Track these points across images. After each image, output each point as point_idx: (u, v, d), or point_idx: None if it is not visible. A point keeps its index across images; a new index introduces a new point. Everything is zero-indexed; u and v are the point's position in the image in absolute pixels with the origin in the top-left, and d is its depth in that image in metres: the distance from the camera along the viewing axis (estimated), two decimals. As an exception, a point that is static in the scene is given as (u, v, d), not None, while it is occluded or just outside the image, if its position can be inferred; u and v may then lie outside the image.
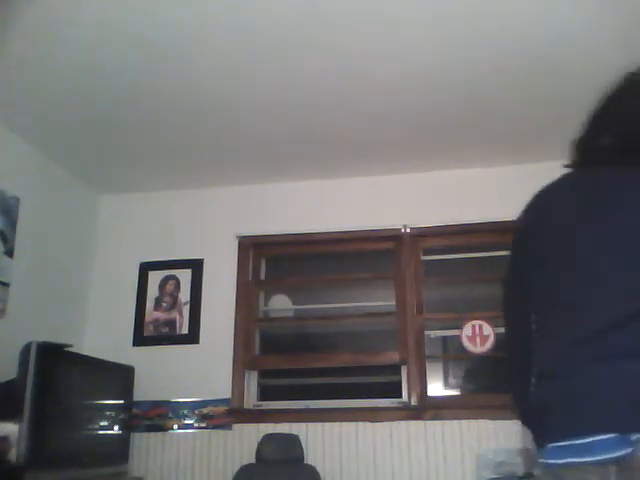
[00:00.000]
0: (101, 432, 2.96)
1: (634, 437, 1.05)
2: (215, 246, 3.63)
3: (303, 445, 3.09)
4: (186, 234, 3.69)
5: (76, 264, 3.57)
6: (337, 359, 3.45)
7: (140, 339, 3.53)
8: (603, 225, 1.23)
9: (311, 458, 3.15)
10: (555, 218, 1.30)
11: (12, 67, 2.56)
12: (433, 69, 2.62)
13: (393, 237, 3.51)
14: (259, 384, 3.53)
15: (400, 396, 3.32)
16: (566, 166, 1.40)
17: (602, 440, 1.06)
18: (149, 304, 3.59)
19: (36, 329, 2.97)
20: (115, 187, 3.76)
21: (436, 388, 3.41)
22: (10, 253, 2.97)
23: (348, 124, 3.06)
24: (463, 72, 2.64)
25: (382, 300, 3.53)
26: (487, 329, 3.23)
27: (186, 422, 3.34)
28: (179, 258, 3.64)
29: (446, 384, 3.52)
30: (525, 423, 1.35)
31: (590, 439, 1.07)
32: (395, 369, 3.37)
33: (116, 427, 3.08)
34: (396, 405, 3.29)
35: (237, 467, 3.05)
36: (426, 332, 3.38)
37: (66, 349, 2.69)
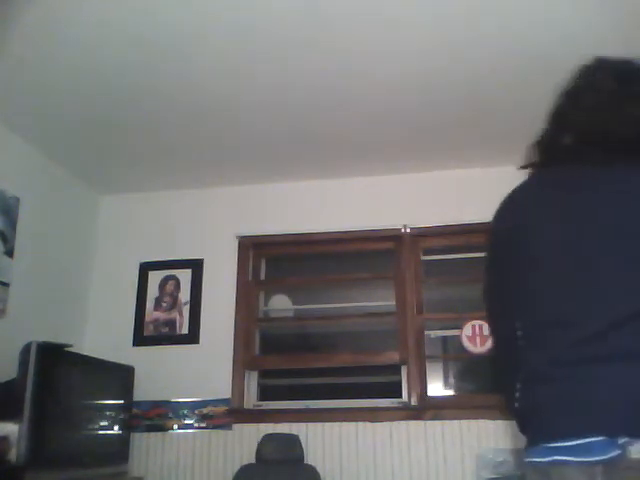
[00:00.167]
0: (101, 432, 2.96)
1: (622, 440, 1.05)
2: (215, 246, 3.63)
3: (303, 445, 3.09)
4: (186, 234, 3.69)
5: (76, 264, 3.57)
6: (337, 359, 3.45)
7: (140, 339, 3.53)
8: (592, 225, 1.21)
9: (311, 458, 3.15)
10: (539, 219, 1.27)
11: (12, 67, 2.56)
12: (433, 69, 2.62)
13: (393, 237, 3.51)
14: (259, 384, 3.53)
15: (400, 396, 3.32)
16: (523, 167, 1.37)
17: (590, 442, 1.06)
18: (149, 304, 3.59)
19: (36, 329, 2.97)
20: (115, 187, 3.76)
21: (436, 388, 3.41)
22: (10, 253, 2.97)
23: (348, 124, 3.06)
24: (463, 72, 2.64)
25: (382, 300, 3.53)
26: (487, 329, 3.23)
27: (186, 422, 3.34)
28: (179, 258, 3.64)
29: (446, 384, 3.52)
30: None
31: (578, 441, 1.06)
32: (395, 369, 3.37)
33: (116, 427, 3.08)
34: (396, 405, 3.29)
35: (237, 467, 3.05)
36: (426, 332, 3.38)
37: (66, 349, 2.69)
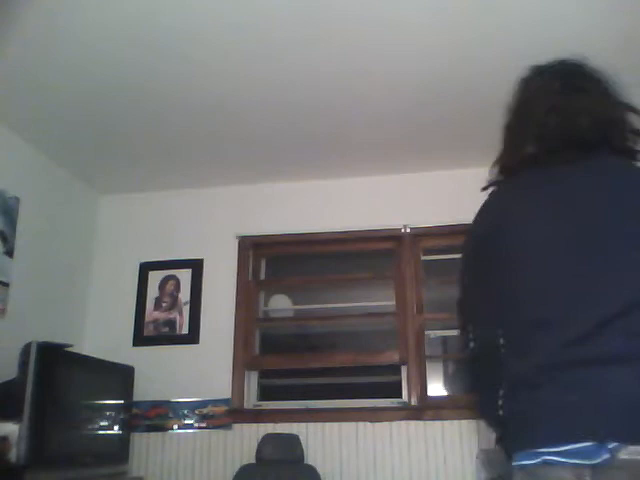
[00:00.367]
0: (101, 432, 2.96)
1: (611, 445, 1.04)
2: (215, 246, 3.63)
3: (303, 445, 3.09)
4: (186, 234, 3.69)
5: (76, 264, 3.57)
6: (337, 359, 3.45)
7: (140, 339, 3.53)
8: (571, 223, 1.21)
9: (311, 458, 3.15)
10: (517, 221, 1.27)
11: (12, 67, 2.56)
12: (433, 69, 2.62)
13: (393, 237, 3.51)
14: (259, 384, 3.53)
15: (400, 396, 3.31)
16: (485, 188, 1.40)
17: (579, 447, 1.05)
18: (149, 304, 3.59)
19: (36, 329, 2.97)
20: (115, 187, 3.76)
21: (436, 388, 3.41)
22: (10, 253, 2.97)
23: (348, 124, 3.06)
24: (464, 72, 2.64)
25: (382, 300, 3.53)
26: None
27: (186, 422, 3.34)
28: (179, 258, 3.64)
29: (446, 384, 3.52)
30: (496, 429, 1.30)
31: (567, 447, 1.05)
32: (395, 369, 3.37)
33: (116, 427, 3.08)
34: (396, 405, 3.29)
35: (237, 467, 3.05)
36: (426, 332, 3.38)
37: (66, 349, 2.69)
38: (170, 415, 3.35)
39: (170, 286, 3.61)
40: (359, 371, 3.49)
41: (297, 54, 2.51)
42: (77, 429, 2.79)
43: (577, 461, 1.05)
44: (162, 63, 2.56)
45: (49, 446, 2.51)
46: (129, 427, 3.19)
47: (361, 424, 3.20)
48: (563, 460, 1.06)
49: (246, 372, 3.43)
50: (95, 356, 3.05)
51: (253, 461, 3.05)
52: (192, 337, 3.49)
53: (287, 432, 3.15)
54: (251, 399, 3.44)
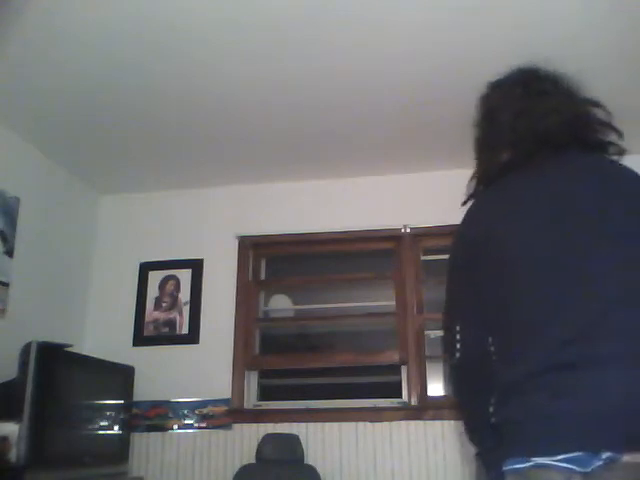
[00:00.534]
0: (101, 432, 2.96)
1: (605, 455, 1.04)
2: (215, 246, 3.63)
3: (303, 445, 3.09)
4: (186, 234, 3.69)
5: (76, 264, 3.57)
6: (337, 359, 3.44)
7: (140, 339, 3.53)
8: (557, 227, 1.22)
9: (311, 458, 3.15)
10: (505, 228, 1.27)
11: (12, 67, 2.56)
12: (433, 69, 2.62)
13: (393, 237, 3.51)
14: (259, 384, 3.53)
15: (400, 396, 3.31)
16: (464, 203, 1.42)
17: (572, 456, 1.05)
18: (149, 304, 3.59)
19: (36, 329, 2.97)
20: (115, 187, 3.76)
21: (436, 388, 3.41)
22: (10, 253, 2.97)
23: (348, 124, 3.06)
24: (463, 72, 2.64)
25: (382, 300, 3.53)
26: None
27: (186, 422, 3.34)
28: (179, 258, 3.64)
29: (446, 384, 3.52)
30: (482, 443, 1.30)
31: (559, 457, 1.05)
32: (395, 369, 3.37)
33: (116, 427, 3.08)
34: (396, 405, 3.29)
35: (237, 467, 3.05)
36: (426, 332, 3.38)
37: (66, 349, 2.69)
38: (170, 415, 3.35)
39: (170, 286, 3.61)
40: (359, 371, 3.49)
41: (297, 54, 2.51)
42: (77, 429, 2.79)
43: (569, 466, 1.05)
44: (162, 63, 2.56)
45: (49, 446, 2.51)
46: (129, 427, 3.19)
47: (361, 424, 3.20)
48: (555, 464, 1.06)
49: (246, 372, 3.43)
50: (95, 356, 3.05)
51: (253, 461, 3.05)
52: (192, 337, 3.48)
53: (287, 432, 3.15)
54: (251, 399, 3.44)
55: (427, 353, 3.35)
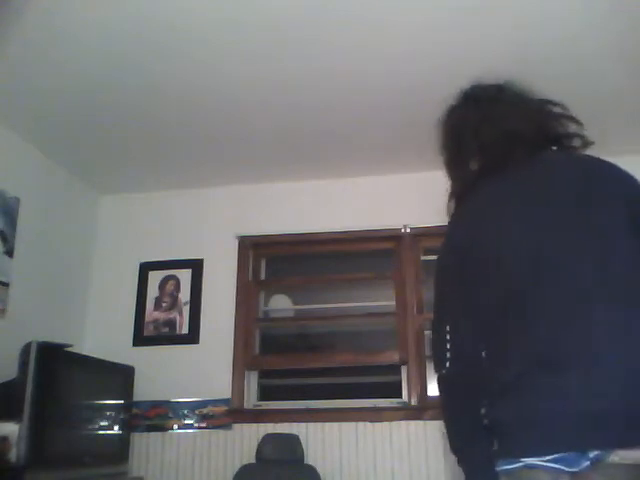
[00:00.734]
0: (101, 432, 2.96)
1: (593, 454, 1.05)
2: (215, 246, 3.63)
3: (303, 445, 3.09)
4: (186, 234, 3.69)
5: (76, 264, 3.57)
6: (337, 359, 3.44)
7: (140, 339, 3.53)
8: (536, 227, 1.24)
9: (311, 458, 3.15)
10: (485, 232, 1.29)
11: (12, 67, 2.56)
12: (433, 69, 2.62)
13: (393, 237, 3.51)
14: (259, 384, 3.53)
15: (400, 396, 3.32)
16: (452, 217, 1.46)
17: (561, 456, 1.06)
18: (149, 304, 3.59)
19: (36, 329, 2.97)
20: (115, 187, 3.76)
21: (436, 388, 3.40)
22: (10, 253, 2.97)
23: (348, 124, 3.06)
24: (463, 72, 2.63)
25: (382, 300, 3.53)
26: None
27: (186, 422, 3.34)
28: (179, 258, 3.64)
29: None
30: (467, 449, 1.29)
31: (548, 457, 1.06)
32: (395, 369, 3.37)
33: (116, 427, 3.08)
34: (396, 405, 3.29)
35: (237, 467, 3.05)
36: (426, 332, 3.38)
37: (66, 349, 2.69)
38: (170, 415, 3.35)
39: (170, 286, 3.61)
40: (359, 371, 3.49)
41: (297, 54, 2.51)
42: (77, 429, 2.79)
43: (557, 466, 1.06)
44: (162, 63, 2.56)
45: (49, 446, 2.51)
46: (129, 427, 3.19)
47: (361, 424, 3.20)
48: (544, 464, 1.07)
49: (246, 372, 3.43)
50: (95, 356, 3.05)
51: (253, 461, 3.05)
52: (192, 337, 3.48)
53: (287, 432, 3.15)
54: (251, 399, 3.44)
55: (427, 353, 3.35)
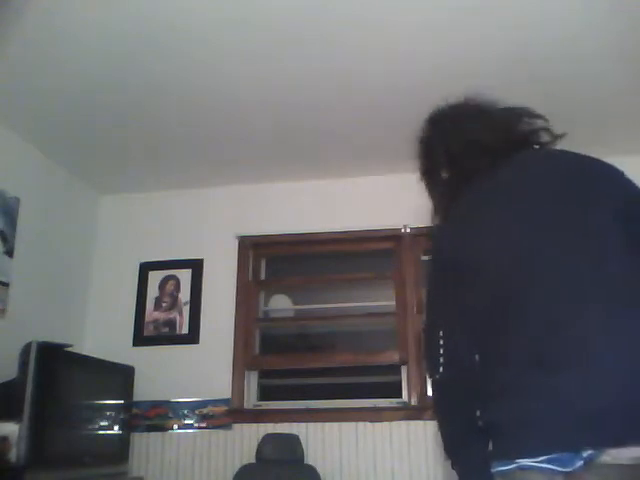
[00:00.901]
0: (101, 432, 2.96)
1: (586, 453, 1.05)
2: (215, 246, 3.63)
3: (303, 445, 3.09)
4: (186, 234, 3.69)
5: (76, 264, 3.57)
6: (337, 359, 3.45)
7: (140, 339, 3.53)
8: (519, 229, 1.25)
9: (311, 458, 3.15)
10: (473, 240, 1.30)
11: (12, 67, 2.56)
12: (433, 69, 2.62)
13: (393, 237, 3.51)
14: (259, 384, 3.53)
15: (400, 396, 3.32)
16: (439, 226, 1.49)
17: (554, 457, 1.06)
18: (149, 304, 3.59)
19: (36, 329, 2.97)
20: (115, 187, 3.76)
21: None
22: (10, 253, 2.97)
23: (348, 124, 3.06)
24: (462, 72, 2.64)
25: (382, 300, 3.53)
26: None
27: (186, 422, 3.34)
28: (179, 258, 3.64)
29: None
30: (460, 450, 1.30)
31: (542, 457, 1.06)
32: (395, 369, 3.37)
33: (116, 427, 3.08)
34: (396, 405, 3.29)
35: (237, 467, 3.05)
36: (426, 332, 3.38)
37: (66, 349, 2.69)
38: (170, 415, 3.35)
39: (170, 286, 3.61)
40: (359, 371, 3.49)
41: (297, 54, 2.51)
42: (77, 429, 2.79)
43: (551, 467, 1.06)
44: (162, 63, 2.56)
45: (49, 446, 2.51)
46: (129, 427, 3.19)
47: (361, 424, 3.20)
48: (537, 465, 1.07)
49: (246, 372, 3.43)
50: (95, 356, 3.05)
51: (253, 461, 3.05)
52: (192, 337, 3.48)
53: (287, 432, 3.15)
54: (251, 399, 3.44)
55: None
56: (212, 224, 3.68)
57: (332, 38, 2.41)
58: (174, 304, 3.57)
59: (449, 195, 1.44)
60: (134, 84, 2.71)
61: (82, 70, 2.60)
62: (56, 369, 2.61)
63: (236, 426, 3.29)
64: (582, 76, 2.64)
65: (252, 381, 3.48)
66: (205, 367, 3.41)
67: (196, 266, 3.61)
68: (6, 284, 2.93)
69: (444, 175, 1.49)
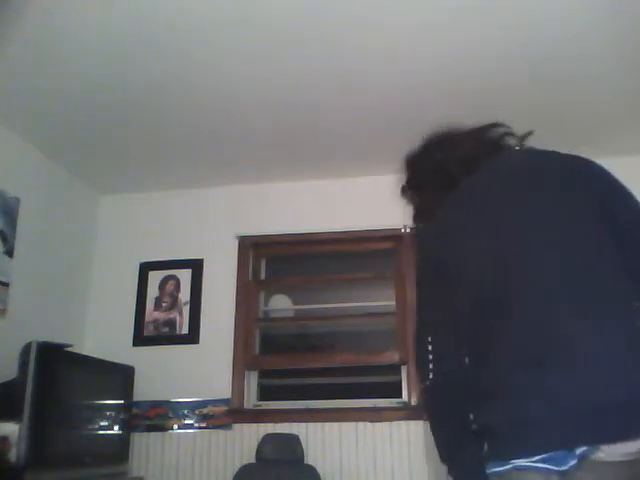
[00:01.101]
0: (101, 432, 2.96)
1: (579, 450, 1.05)
2: (215, 246, 3.63)
3: (303, 445, 3.09)
4: (186, 234, 3.69)
5: (76, 264, 3.57)
6: (337, 359, 3.45)
7: (140, 339, 3.53)
8: (501, 230, 1.26)
9: (311, 458, 3.15)
10: (466, 242, 1.30)
11: (12, 67, 2.56)
12: (433, 70, 2.62)
13: (393, 237, 3.51)
14: (259, 384, 3.53)
15: (400, 396, 3.32)
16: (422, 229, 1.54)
17: (549, 456, 1.06)
18: (149, 304, 3.59)
19: (36, 329, 2.96)
20: (115, 187, 3.76)
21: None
22: (10, 253, 2.97)
23: (348, 124, 3.06)
24: (463, 73, 2.64)
25: (382, 300, 3.53)
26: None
27: (186, 422, 3.34)
28: (179, 258, 3.64)
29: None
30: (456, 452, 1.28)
31: (536, 457, 1.06)
32: (395, 369, 3.37)
33: (116, 427, 3.08)
34: (396, 405, 3.29)
35: (237, 467, 3.05)
36: (426, 332, 3.38)
37: (66, 349, 2.69)
38: (170, 415, 3.35)
39: (170, 286, 3.61)
40: (359, 371, 3.49)
41: (297, 54, 2.51)
42: (77, 429, 2.79)
43: (546, 466, 1.06)
44: (162, 63, 2.56)
45: (49, 446, 2.51)
46: (129, 427, 3.19)
47: (361, 424, 3.20)
48: (533, 465, 1.07)
49: (246, 372, 3.43)
50: (95, 356, 3.05)
51: (253, 461, 3.05)
52: (192, 337, 3.49)
53: (287, 432, 3.15)
54: (251, 399, 3.44)
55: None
56: (212, 224, 3.68)
57: (332, 38, 2.41)
58: (174, 304, 3.57)
59: (436, 200, 1.45)
60: (134, 84, 2.71)
61: (82, 70, 2.60)
62: (56, 369, 2.61)
63: (236, 426, 3.29)
64: (582, 76, 2.64)
65: (252, 381, 3.48)
66: (205, 367, 3.41)
67: (196, 266, 3.61)
68: (6, 284, 2.93)
69: (428, 190, 1.57)
